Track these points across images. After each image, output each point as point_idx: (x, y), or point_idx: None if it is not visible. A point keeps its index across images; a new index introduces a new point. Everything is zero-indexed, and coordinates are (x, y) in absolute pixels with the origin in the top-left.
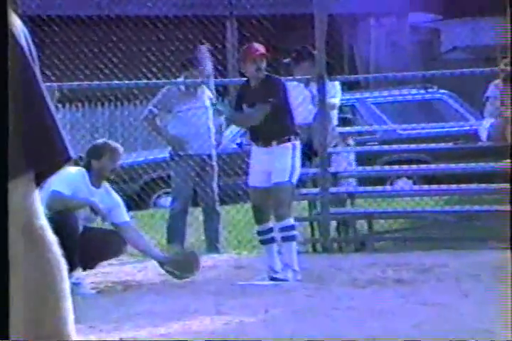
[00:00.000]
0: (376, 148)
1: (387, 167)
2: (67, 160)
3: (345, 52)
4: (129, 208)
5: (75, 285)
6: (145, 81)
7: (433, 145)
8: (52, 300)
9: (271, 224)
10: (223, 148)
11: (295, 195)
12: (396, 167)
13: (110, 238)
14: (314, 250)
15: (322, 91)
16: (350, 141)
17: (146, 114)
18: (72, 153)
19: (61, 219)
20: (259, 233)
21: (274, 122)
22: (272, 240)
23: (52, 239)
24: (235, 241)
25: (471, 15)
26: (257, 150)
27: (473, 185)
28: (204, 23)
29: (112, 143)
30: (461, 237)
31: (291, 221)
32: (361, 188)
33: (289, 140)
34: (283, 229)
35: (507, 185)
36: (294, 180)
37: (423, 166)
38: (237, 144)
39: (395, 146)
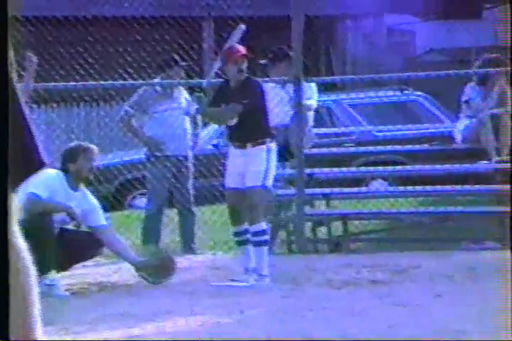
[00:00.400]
0: (352, 149)
1: (363, 168)
2: (41, 167)
3: (321, 54)
4: (105, 209)
5: (50, 287)
6: (121, 82)
7: (409, 146)
8: (21, 308)
9: (247, 225)
10: (200, 149)
11: (271, 197)
12: (372, 168)
13: (86, 240)
14: (290, 251)
15: (298, 92)
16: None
17: (121, 115)
18: (45, 159)
19: (36, 221)
20: (235, 234)
21: (250, 125)
22: (248, 241)
23: (22, 245)
24: (211, 242)
25: (447, 18)
26: (234, 152)
27: (448, 187)
28: (181, 24)
29: (85, 143)
30: (436, 238)
31: (263, 225)
32: (337, 189)
33: (263, 143)
34: (255, 234)
35: (480, 187)
36: (269, 183)
37: (399, 167)
38: (214, 145)
39: (371, 148)
